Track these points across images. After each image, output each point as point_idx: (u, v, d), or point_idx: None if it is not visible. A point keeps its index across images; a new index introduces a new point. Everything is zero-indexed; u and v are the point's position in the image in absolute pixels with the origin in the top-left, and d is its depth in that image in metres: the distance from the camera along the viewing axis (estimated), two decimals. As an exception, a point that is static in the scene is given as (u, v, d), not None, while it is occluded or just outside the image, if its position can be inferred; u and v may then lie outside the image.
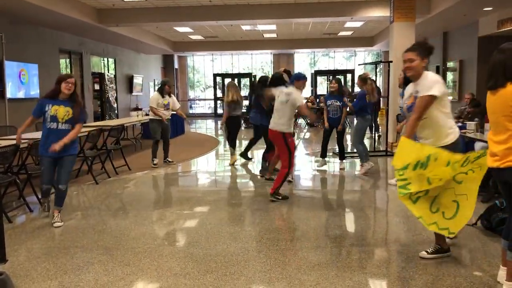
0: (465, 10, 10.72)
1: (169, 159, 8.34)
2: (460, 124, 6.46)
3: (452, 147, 3.41)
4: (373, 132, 11.46)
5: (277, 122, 5.46)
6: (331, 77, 20.30)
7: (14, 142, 4.90)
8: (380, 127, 12.62)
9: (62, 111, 4.52)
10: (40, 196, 5.07)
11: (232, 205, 5.45)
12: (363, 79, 7.44)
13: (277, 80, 5.94)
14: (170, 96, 8.22)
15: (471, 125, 6.40)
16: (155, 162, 8.04)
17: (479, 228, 4.28)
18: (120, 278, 3.30)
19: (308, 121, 16.11)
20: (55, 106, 4.51)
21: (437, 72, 15.41)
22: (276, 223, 4.68)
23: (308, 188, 6.56)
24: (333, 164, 8.19)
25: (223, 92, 20.14)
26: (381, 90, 16.62)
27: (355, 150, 7.80)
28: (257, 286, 3.15)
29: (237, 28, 15.89)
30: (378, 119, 11.52)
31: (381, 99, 14.70)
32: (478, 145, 5.79)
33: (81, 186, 6.55)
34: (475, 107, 8.25)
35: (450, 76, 14.48)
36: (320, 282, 3.17)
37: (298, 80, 5.67)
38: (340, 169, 7.63)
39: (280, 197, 5.50)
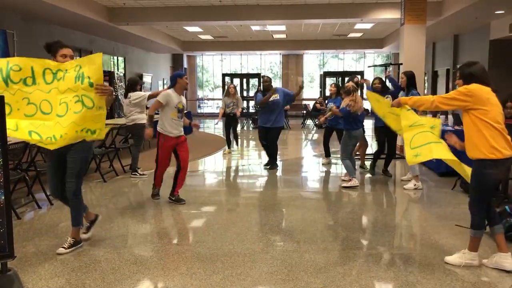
0: (476, 13, 10.64)
1: (139, 172, 7.27)
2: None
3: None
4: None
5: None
6: (339, 78, 20.31)
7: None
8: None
9: None
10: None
11: (239, 206, 5.45)
12: (348, 91, 6.35)
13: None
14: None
15: None
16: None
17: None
18: (127, 276, 3.31)
19: (317, 122, 16.08)
20: None
21: (447, 75, 15.28)
22: (283, 224, 4.67)
23: (315, 190, 6.55)
24: (341, 166, 8.14)
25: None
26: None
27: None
28: (263, 288, 3.14)
29: (247, 28, 15.91)
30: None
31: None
32: None
33: (89, 184, 6.59)
34: None
35: (460, 79, 14.32)
36: (326, 285, 3.16)
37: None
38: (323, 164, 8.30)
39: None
